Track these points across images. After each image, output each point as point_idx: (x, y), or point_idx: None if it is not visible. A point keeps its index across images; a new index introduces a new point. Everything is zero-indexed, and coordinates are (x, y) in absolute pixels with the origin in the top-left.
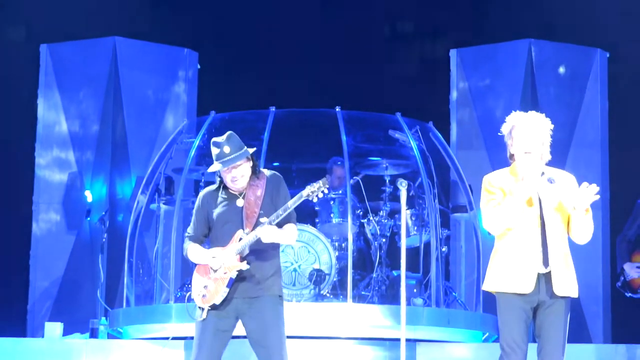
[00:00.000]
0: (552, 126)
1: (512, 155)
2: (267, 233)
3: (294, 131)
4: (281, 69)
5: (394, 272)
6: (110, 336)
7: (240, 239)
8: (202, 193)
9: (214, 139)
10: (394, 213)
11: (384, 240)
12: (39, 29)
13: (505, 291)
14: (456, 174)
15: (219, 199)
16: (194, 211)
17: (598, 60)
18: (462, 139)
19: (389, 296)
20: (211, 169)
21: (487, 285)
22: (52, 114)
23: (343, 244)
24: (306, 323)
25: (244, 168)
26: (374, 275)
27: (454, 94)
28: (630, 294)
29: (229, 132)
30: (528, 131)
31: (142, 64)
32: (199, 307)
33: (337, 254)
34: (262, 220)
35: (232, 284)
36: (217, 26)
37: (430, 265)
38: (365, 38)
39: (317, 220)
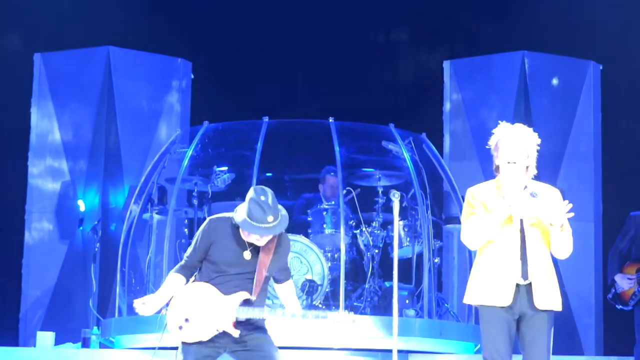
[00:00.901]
0: (539, 140)
1: (497, 167)
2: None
3: (287, 142)
4: (274, 80)
5: (387, 283)
6: (102, 346)
7: (244, 303)
8: (215, 221)
9: (257, 199)
10: (387, 224)
11: (376, 251)
12: (33, 38)
13: (484, 304)
14: (449, 185)
15: (227, 239)
16: (198, 235)
17: (591, 73)
18: (455, 150)
19: (381, 307)
20: (241, 224)
21: (468, 298)
22: (45, 123)
23: (336, 255)
24: (298, 333)
25: None
26: (367, 286)
27: (447, 105)
28: (621, 306)
29: (272, 195)
30: (513, 142)
31: (136, 74)
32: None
33: (329, 264)
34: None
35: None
36: (211, 36)
37: (423, 277)
38: (359, 49)
39: (309, 231)
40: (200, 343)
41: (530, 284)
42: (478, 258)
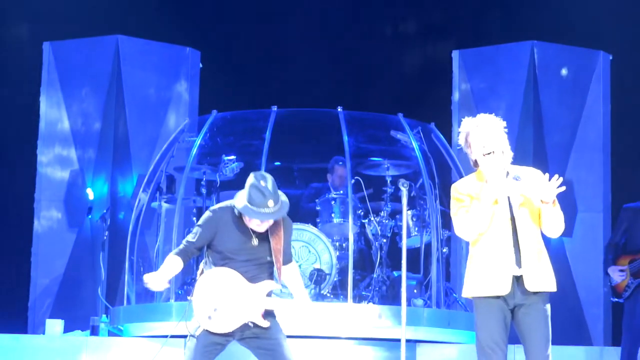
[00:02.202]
0: (504, 123)
1: (475, 162)
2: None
3: (296, 131)
4: (283, 69)
5: (395, 273)
6: (110, 334)
7: (271, 293)
8: (217, 208)
9: (257, 184)
10: (395, 213)
11: (384, 240)
12: (42, 26)
13: (482, 295)
14: (457, 175)
15: (233, 227)
16: (201, 222)
17: (601, 63)
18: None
19: (389, 297)
20: (243, 210)
21: (465, 292)
22: (54, 112)
23: (344, 244)
24: (306, 323)
25: None
26: (375, 275)
27: (456, 95)
28: (615, 299)
29: (272, 180)
30: (483, 133)
31: (145, 63)
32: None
33: (337, 253)
34: (299, 301)
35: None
36: (220, 25)
37: (431, 266)
38: (368, 38)
39: (318, 220)
40: (207, 336)
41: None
42: (471, 251)
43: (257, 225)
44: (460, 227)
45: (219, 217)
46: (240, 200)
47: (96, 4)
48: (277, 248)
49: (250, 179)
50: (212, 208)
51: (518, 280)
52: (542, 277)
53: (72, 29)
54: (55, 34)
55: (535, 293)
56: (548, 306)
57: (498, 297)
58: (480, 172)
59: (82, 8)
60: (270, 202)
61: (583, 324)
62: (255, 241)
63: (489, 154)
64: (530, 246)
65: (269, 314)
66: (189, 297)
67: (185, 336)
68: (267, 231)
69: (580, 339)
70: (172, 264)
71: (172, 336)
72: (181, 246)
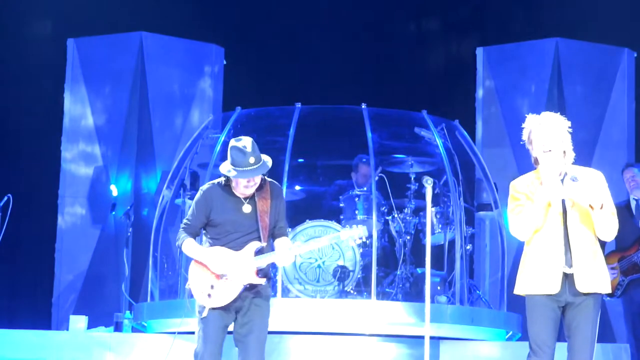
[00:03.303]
0: (569, 123)
1: (535, 159)
2: (287, 262)
3: (320, 128)
4: (307, 66)
5: (418, 270)
6: (134, 330)
7: (258, 251)
8: (206, 187)
9: (237, 145)
10: (419, 210)
11: (408, 237)
12: (66, 23)
13: (533, 293)
14: (481, 172)
15: (224, 199)
16: (194, 202)
17: (625, 60)
18: (487, 137)
19: (413, 294)
20: (227, 174)
21: (518, 289)
22: (78, 108)
23: (367, 241)
24: (330, 319)
25: (258, 177)
26: (398, 272)
27: (480, 92)
28: (608, 297)
29: (251, 140)
30: (545, 131)
31: (169, 59)
32: (200, 304)
33: (361, 250)
34: (283, 248)
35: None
36: (244, 22)
37: (455, 263)
38: (392, 36)
39: (341, 217)
40: (218, 315)
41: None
42: (525, 249)
43: (245, 186)
44: (514, 227)
45: (209, 193)
46: (224, 166)
47: (120, 0)
48: (262, 209)
49: (231, 142)
50: (201, 187)
51: (569, 279)
52: (593, 278)
53: (96, 26)
54: (79, 31)
55: (586, 294)
56: (598, 307)
57: (549, 295)
58: (539, 170)
59: (106, 5)
60: (252, 159)
61: (607, 321)
62: (247, 207)
63: (548, 151)
64: (582, 246)
65: (260, 295)
66: (186, 286)
67: (190, 332)
68: (256, 198)
69: (604, 337)
70: (195, 245)
71: (180, 333)
72: (185, 227)
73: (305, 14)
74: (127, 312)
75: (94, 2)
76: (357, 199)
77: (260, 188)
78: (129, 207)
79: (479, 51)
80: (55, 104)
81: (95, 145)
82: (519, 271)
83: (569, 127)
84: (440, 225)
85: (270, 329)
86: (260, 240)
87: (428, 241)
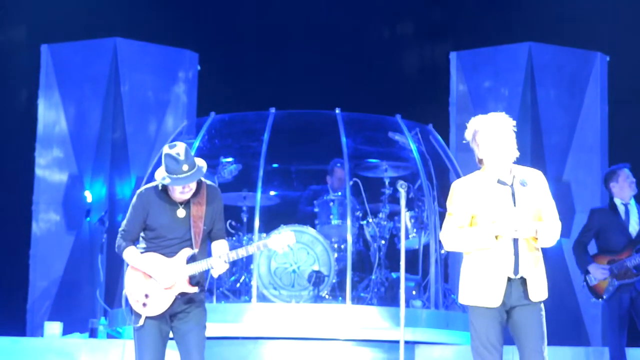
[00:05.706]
0: (514, 122)
1: (480, 160)
2: (220, 270)
3: (294, 133)
4: (281, 71)
5: (393, 274)
6: (109, 336)
7: (190, 259)
8: (141, 191)
9: (170, 152)
10: (394, 215)
11: (383, 242)
12: (40, 29)
13: (476, 304)
14: (456, 176)
15: (159, 203)
16: (131, 207)
17: (598, 64)
18: (461, 141)
19: (388, 298)
20: (162, 181)
21: (462, 299)
22: (52, 114)
23: (342, 246)
24: (305, 324)
25: (194, 183)
26: (373, 277)
27: (453, 97)
28: (594, 299)
29: (185, 146)
30: (493, 132)
31: (143, 65)
32: (136, 313)
33: (336, 255)
34: (214, 256)
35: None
36: (218, 27)
37: (430, 268)
38: (365, 40)
39: (316, 222)
40: (154, 322)
41: (522, 277)
42: (466, 257)
43: (180, 192)
44: (449, 244)
45: (146, 197)
46: (159, 173)
47: (94, 6)
48: (196, 214)
49: (165, 149)
50: (138, 191)
51: (516, 283)
52: (542, 286)
53: (70, 32)
54: (53, 37)
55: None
56: (542, 306)
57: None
58: (485, 169)
59: (79, 11)
60: (185, 167)
61: (581, 325)
62: (181, 212)
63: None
64: (530, 253)
65: (194, 302)
66: (124, 292)
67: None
68: (191, 203)
69: (579, 340)
70: (136, 252)
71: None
72: (123, 235)
73: (279, 19)
74: (102, 318)
75: (68, 8)
76: (331, 203)
77: (196, 193)
78: (103, 213)
79: (453, 55)
80: (29, 110)
81: (69, 151)
82: (461, 279)
83: (514, 126)
84: (414, 230)
85: (244, 334)
86: (192, 247)
87: (402, 246)
